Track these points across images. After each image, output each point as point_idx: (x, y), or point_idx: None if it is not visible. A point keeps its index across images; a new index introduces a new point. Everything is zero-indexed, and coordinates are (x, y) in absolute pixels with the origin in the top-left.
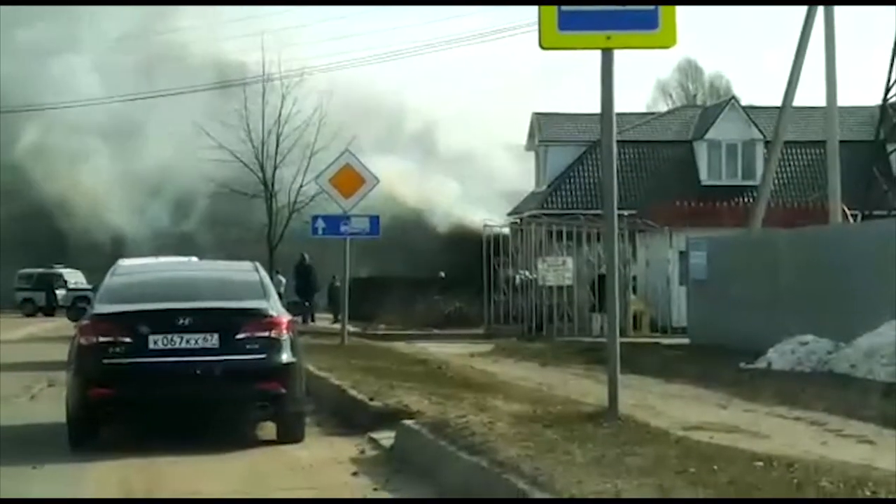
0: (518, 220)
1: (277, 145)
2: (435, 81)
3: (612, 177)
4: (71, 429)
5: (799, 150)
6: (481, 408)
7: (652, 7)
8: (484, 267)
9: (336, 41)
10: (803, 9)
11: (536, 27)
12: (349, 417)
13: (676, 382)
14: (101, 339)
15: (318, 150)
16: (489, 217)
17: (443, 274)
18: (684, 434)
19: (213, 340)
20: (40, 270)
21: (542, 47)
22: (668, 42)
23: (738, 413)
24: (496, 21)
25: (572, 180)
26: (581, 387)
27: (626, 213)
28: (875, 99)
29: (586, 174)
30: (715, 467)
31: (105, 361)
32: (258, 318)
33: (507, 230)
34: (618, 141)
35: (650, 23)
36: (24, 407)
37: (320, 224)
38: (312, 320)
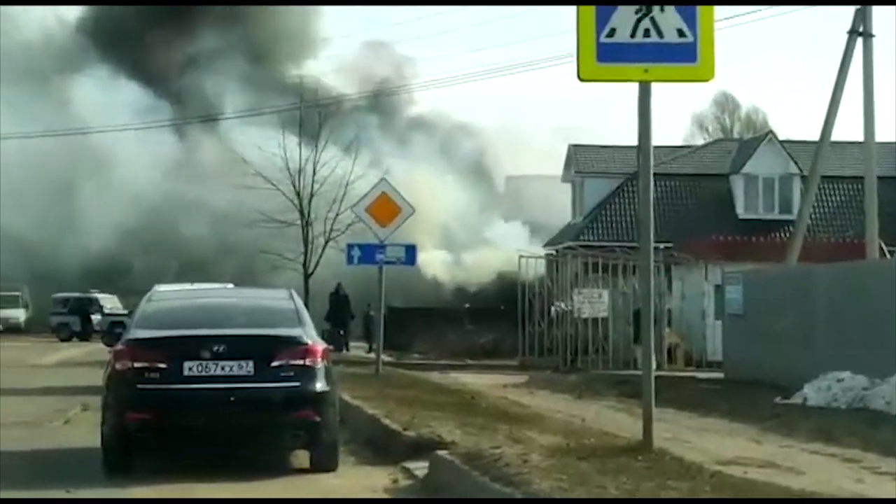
0: (554, 252)
1: (314, 173)
2: (479, 109)
3: (649, 209)
4: (105, 454)
5: (836, 186)
6: (515, 439)
7: (691, 40)
8: (519, 298)
9: None
10: (842, 43)
11: (575, 59)
12: (383, 447)
13: (711, 416)
14: (136, 364)
15: (356, 179)
16: (525, 248)
17: (468, 305)
18: (719, 469)
19: (247, 367)
20: (76, 295)
21: (580, 79)
22: (706, 75)
23: (773, 448)
24: (537, 52)
25: (608, 212)
26: (615, 420)
27: (661, 246)
28: None
29: (622, 206)
30: None
31: (140, 387)
32: (293, 345)
33: (542, 262)
34: (654, 174)
35: (689, 56)
36: (58, 431)
37: (356, 252)
38: (347, 349)
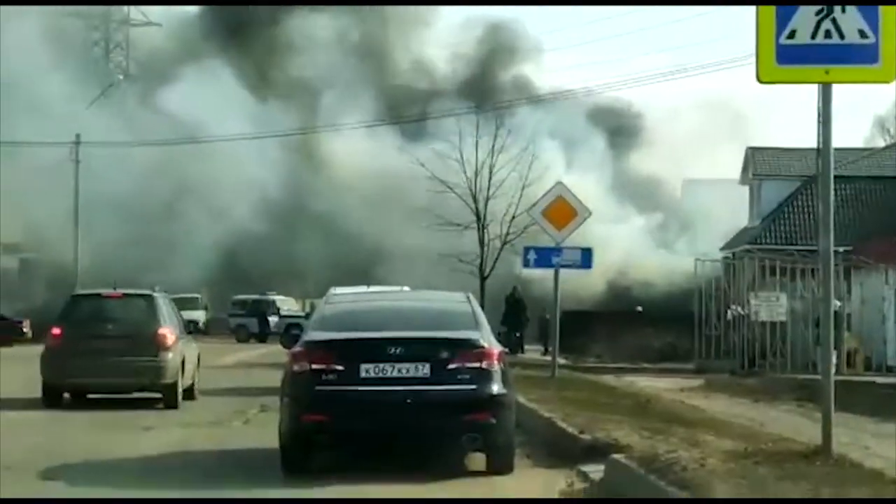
0: (731, 255)
1: (490, 177)
2: (651, 112)
3: (829, 212)
4: (284, 454)
5: None
6: (692, 443)
7: (872, 41)
8: (696, 302)
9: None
10: None
11: (754, 60)
12: (559, 449)
13: (892, 422)
14: (314, 366)
15: (531, 182)
16: (702, 251)
17: (640, 308)
18: None
19: (424, 370)
20: (254, 297)
21: (759, 81)
22: (888, 77)
23: None
24: (714, 54)
25: (786, 215)
26: (794, 424)
27: (841, 249)
28: None
29: (801, 209)
30: None
31: (317, 388)
32: (470, 348)
33: (719, 265)
34: (835, 176)
35: (870, 57)
36: (237, 431)
37: (532, 256)
38: (522, 352)
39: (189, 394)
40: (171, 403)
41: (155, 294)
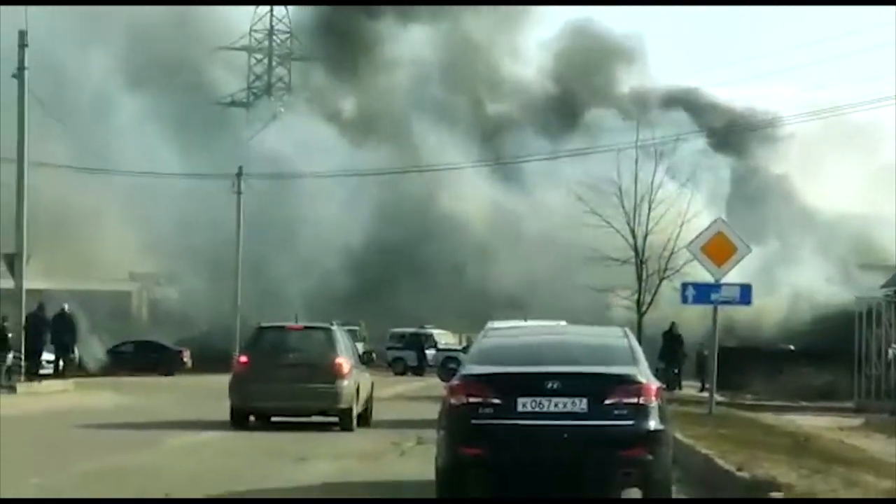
0: (893, 293)
1: (649, 212)
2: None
3: None
4: (439, 487)
5: None
6: (851, 483)
7: None
8: (856, 340)
9: None
10: None
11: None
12: (715, 487)
13: None
14: (471, 399)
15: (691, 218)
16: (862, 289)
17: (792, 347)
18: None
19: (581, 405)
20: (411, 330)
21: None
22: None
23: None
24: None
25: None
26: None
27: None
28: None
29: None
30: None
31: (474, 422)
32: (627, 384)
33: (881, 303)
34: None
35: None
36: (394, 463)
37: (690, 292)
38: (679, 388)
39: (363, 420)
40: (346, 426)
41: (333, 327)
